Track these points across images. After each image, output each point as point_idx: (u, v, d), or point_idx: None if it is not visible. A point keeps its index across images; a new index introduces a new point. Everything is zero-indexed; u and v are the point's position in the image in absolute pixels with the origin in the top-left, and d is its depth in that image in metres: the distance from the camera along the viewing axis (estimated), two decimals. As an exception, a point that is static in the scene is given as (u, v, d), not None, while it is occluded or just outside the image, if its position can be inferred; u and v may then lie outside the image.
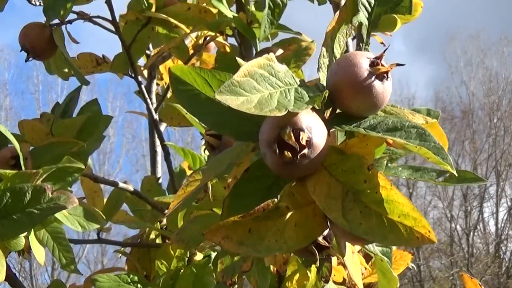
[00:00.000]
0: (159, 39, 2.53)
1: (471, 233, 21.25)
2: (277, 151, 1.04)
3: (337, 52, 1.17)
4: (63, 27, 2.35)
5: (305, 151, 1.04)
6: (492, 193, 22.25)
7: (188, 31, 2.39)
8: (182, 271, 2.33)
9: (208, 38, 2.49)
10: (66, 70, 2.37)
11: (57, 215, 2.01)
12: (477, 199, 22.06)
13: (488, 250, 21.37)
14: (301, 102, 1.05)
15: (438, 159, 1.06)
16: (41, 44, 2.29)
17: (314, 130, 1.06)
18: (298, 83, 1.09)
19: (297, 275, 2.02)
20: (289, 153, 1.04)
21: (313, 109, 1.10)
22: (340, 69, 1.11)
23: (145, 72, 2.77)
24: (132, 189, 2.46)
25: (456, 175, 1.07)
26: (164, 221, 2.49)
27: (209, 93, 1.16)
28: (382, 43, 2.69)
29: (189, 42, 2.61)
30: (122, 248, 2.57)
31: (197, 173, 1.16)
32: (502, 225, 21.58)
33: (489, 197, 22.26)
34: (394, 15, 2.48)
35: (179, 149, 2.62)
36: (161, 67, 2.72)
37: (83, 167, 2.01)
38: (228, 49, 2.42)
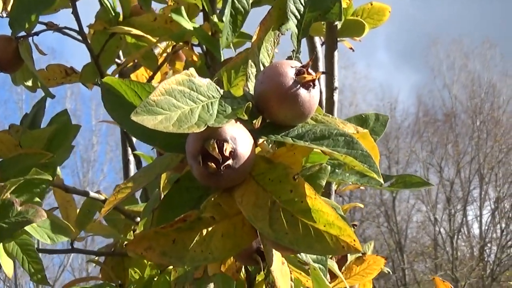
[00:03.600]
0: (128, 48, 2.54)
1: (455, 236, 21.29)
2: (201, 162, 1.04)
3: (266, 61, 1.17)
4: (30, 38, 2.35)
5: (229, 162, 1.04)
6: (475, 196, 22.38)
7: (154, 41, 2.39)
8: (155, 279, 2.33)
9: (176, 48, 2.49)
10: (32, 82, 2.37)
11: (26, 227, 2.01)
12: (460, 202, 22.15)
13: (472, 253, 21.40)
14: (223, 116, 1.05)
15: (364, 167, 1.05)
16: (7, 57, 2.28)
17: (239, 140, 1.06)
18: (223, 95, 1.09)
19: (267, 282, 2.02)
20: (213, 164, 1.04)
21: (240, 119, 1.10)
22: (266, 78, 1.11)
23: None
24: (103, 198, 2.46)
25: (383, 182, 1.07)
26: (137, 229, 2.50)
27: (139, 105, 1.16)
28: (351, 48, 2.70)
29: (158, 51, 2.62)
30: (96, 257, 2.57)
31: (129, 181, 1.17)
32: (486, 228, 21.69)
33: (473, 200, 22.36)
34: (362, 20, 2.51)
35: (148, 158, 2.63)
36: (132, 76, 2.72)
37: (50, 178, 2.00)
38: (196, 59, 2.42)
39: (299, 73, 1.10)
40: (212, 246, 1.06)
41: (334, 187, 2.50)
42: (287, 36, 1.21)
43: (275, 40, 1.17)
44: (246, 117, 1.11)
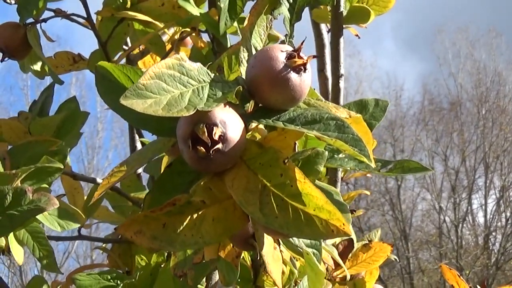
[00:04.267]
0: (135, 35, 2.54)
1: (460, 225, 21.23)
2: (191, 146, 1.04)
3: (259, 45, 1.17)
4: (38, 25, 2.36)
5: (219, 146, 1.04)
6: (480, 184, 22.27)
7: (161, 27, 2.39)
8: (162, 266, 2.34)
9: (183, 34, 2.49)
10: (40, 69, 2.39)
11: (37, 215, 2.03)
12: (465, 191, 22.05)
13: (477, 242, 21.33)
14: (213, 100, 1.05)
15: (354, 151, 1.05)
16: (15, 44, 2.29)
17: (229, 124, 1.06)
18: (214, 79, 1.09)
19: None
20: (202, 148, 1.04)
21: (232, 103, 1.10)
22: (257, 62, 1.11)
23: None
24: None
25: (373, 166, 1.06)
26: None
27: (131, 90, 1.16)
28: (357, 35, 2.68)
29: (166, 37, 2.62)
30: (103, 245, 2.58)
31: (122, 164, 1.17)
32: (491, 216, 21.61)
33: (478, 189, 22.26)
34: (367, 7, 2.49)
35: (154, 145, 2.63)
36: (140, 63, 2.72)
37: (62, 166, 2.01)
38: (202, 45, 2.42)
39: (290, 57, 1.10)
40: (202, 230, 1.07)
41: (340, 174, 2.49)
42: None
43: (267, 25, 1.17)
44: (235, 102, 1.11)
